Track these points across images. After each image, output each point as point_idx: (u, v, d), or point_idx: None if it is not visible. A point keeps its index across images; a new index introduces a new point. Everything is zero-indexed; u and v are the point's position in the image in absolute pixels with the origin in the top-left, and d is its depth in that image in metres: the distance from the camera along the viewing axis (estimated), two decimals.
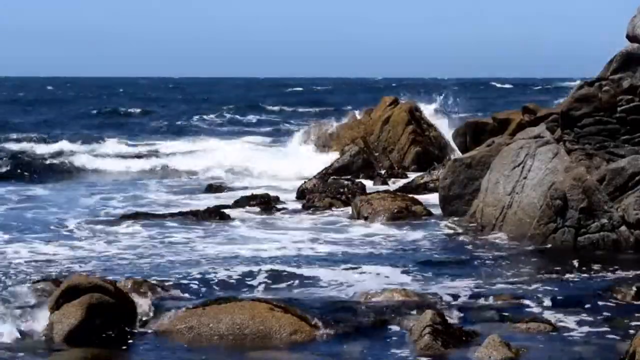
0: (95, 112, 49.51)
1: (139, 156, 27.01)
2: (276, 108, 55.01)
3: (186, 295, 9.45)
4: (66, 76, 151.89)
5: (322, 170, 21.20)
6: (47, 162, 25.39)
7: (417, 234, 13.67)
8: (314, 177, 19.76)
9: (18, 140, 30.36)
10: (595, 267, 11.12)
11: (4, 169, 23.74)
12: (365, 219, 15.08)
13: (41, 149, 27.89)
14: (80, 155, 26.74)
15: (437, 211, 15.27)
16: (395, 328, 8.16)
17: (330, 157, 22.39)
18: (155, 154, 27.68)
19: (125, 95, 73.70)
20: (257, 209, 16.14)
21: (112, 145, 29.67)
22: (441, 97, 26.78)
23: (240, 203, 16.68)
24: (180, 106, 57.50)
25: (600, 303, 9.26)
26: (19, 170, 23.63)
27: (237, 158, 24.79)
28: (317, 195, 17.07)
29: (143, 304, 8.53)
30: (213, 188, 19.61)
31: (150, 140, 32.30)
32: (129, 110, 51.17)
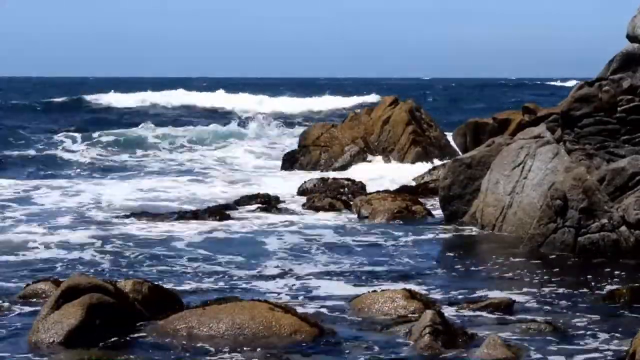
0: None
1: None
2: None
3: (186, 295, 9.44)
4: None
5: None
6: None
7: (417, 234, 13.66)
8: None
9: None
10: (596, 267, 11.12)
11: None
12: (366, 219, 15.09)
13: None
14: None
15: (437, 211, 15.27)
16: (395, 328, 8.15)
17: None
18: None
19: None
20: (258, 209, 16.14)
21: None
22: None
23: (241, 202, 16.71)
24: None
25: (600, 303, 9.25)
26: None
27: None
28: (317, 195, 17.08)
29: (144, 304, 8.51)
30: None
31: None
32: None
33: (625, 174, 12.30)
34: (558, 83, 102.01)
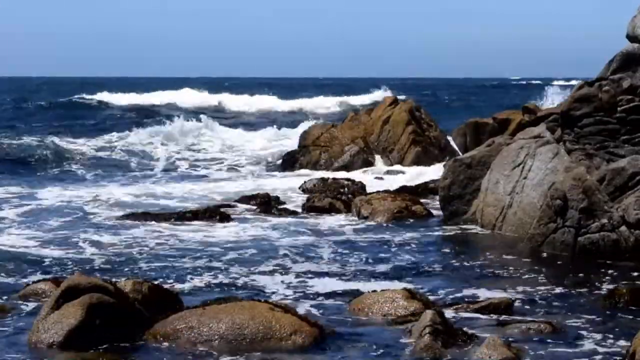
0: None
1: None
2: None
3: (186, 295, 9.44)
4: None
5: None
6: None
7: (417, 234, 13.66)
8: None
9: None
10: (595, 267, 11.12)
11: None
12: (365, 219, 15.08)
13: None
14: None
15: (437, 211, 15.27)
16: (395, 328, 8.15)
17: None
18: None
19: None
20: (257, 208, 16.14)
21: None
22: None
23: (240, 202, 16.71)
24: None
25: (600, 303, 9.25)
26: None
27: None
28: (317, 195, 17.07)
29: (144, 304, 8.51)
30: None
31: None
32: None
33: (625, 174, 12.30)
34: (562, 83, 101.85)
